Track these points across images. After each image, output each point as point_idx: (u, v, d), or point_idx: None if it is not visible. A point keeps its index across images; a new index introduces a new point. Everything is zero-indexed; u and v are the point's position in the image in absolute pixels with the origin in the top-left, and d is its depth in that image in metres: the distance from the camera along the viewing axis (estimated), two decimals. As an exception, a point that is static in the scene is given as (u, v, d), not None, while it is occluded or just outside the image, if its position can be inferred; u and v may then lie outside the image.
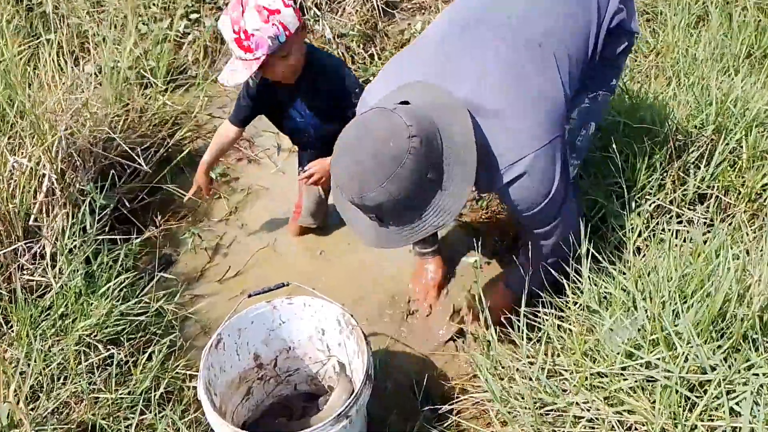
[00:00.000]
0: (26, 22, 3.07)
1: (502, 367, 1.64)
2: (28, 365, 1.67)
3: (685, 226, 1.85)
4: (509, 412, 1.51)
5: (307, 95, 2.01)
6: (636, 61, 2.74)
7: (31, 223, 1.99)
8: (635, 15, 1.73)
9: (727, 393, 1.22)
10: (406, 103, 1.38)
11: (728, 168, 2.03)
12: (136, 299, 1.93)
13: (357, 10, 3.15)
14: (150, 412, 1.67)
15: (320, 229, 2.37)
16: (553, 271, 1.68)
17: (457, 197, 1.37)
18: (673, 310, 1.40)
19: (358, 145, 1.33)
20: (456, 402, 1.76)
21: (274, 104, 2.06)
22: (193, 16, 3.17)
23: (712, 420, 1.23)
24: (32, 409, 1.59)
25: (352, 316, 1.65)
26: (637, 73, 2.58)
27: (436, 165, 1.34)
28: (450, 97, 1.42)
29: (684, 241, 1.70)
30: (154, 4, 3.11)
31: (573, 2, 1.59)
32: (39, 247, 1.95)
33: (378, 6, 3.18)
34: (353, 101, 1.98)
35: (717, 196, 1.96)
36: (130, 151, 2.28)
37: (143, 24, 3.02)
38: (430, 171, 1.33)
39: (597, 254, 1.76)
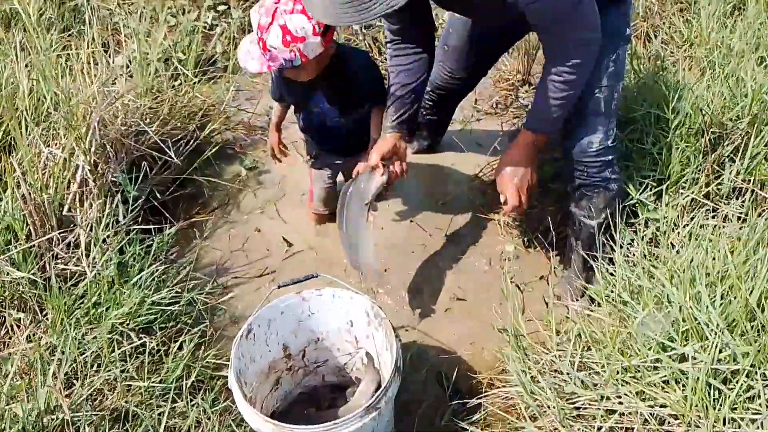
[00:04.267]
0: (58, 15, 3.11)
1: (531, 361, 1.63)
2: (63, 353, 1.70)
3: (719, 221, 1.82)
4: (539, 406, 1.50)
5: (328, 85, 1.98)
6: (669, 51, 2.69)
7: (65, 213, 2.02)
8: None
9: (764, 385, 1.20)
10: None
11: (764, 161, 1.98)
12: (168, 289, 1.96)
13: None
14: (181, 401, 1.69)
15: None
16: (567, 93, 1.69)
17: None
18: (707, 306, 1.37)
19: None
20: (484, 396, 1.76)
21: (296, 93, 2.04)
22: (221, 8, 3.20)
23: (748, 411, 1.21)
24: (67, 396, 1.62)
25: (380, 308, 1.65)
26: (670, 64, 2.53)
27: None
28: None
29: (720, 236, 1.67)
30: (182, -4, 3.13)
31: None
32: (73, 237, 1.99)
33: (405, -3, 3.16)
34: (375, 97, 2.02)
35: (753, 190, 1.92)
36: (161, 143, 2.31)
37: (171, 16, 3.05)
38: None
39: (628, 247, 1.75)
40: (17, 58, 2.36)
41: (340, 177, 2.31)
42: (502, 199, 1.88)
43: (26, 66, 2.36)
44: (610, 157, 1.82)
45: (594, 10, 1.60)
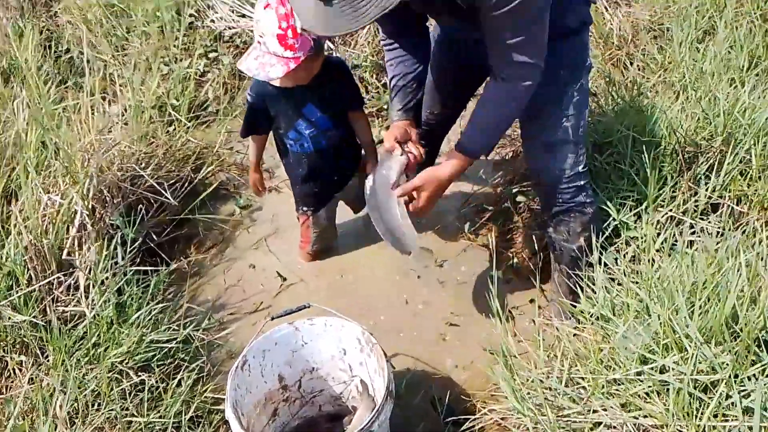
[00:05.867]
0: (54, 68, 3.24)
1: (522, 379, 1.67)
2: (64, 393, 1.74)
3: (698, 236, 1.88)
4: (531, 422, 1.54)
5: (319, 91, 2.01)
6: (645, 77, 2.79)
7: (64, 257, 2.09)
8: None
9: (740, 393, 1.24)
10: None
11: (739, 177, 2.05)
12: (165, 327, 2.01)
13: (369, 42, 3.25)
14: (181, 434, 1.73)
15: (338, 251, 2.43)
16: (502, 119, 1.75)
17: None
18: (686, 316, 1.42)
19: None
20: (478, 417, 1.79)
21: (288, 112, 2.06)
22: (212, 55, 3.31)
23: (727, 420, 1.25)
24: (69, 435, 1.66)
25: (371, 334, 1.70)
26: (646, 89, 2.63)
27: None
28: None
29: (697, 249, 1.73)
30: (174, 46, 3.25)
31: None
32: (73, 280, 2.04)
33: (389, 37, 3.28)
34: (356, 101, 2.11)
35: (729, 206, 1.98)
36: (157, 186, 2.38)
37: (164, 65, 3.16)
38: None
39: (611, 266, 1.80)
40: (17, 110, 2.45)
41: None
42: (414, 202, 1.89)
43: (26, 118, 2.45)
44: (582, 182, 1.88)
45: (544, 39, 1.63)
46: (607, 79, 2.69)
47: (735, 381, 1.27)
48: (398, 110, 2.01)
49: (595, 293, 1.69)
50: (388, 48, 2.01)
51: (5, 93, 2.87)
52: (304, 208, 2.28)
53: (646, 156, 2.08)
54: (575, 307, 1.90)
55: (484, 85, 1.96)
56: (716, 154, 2.11)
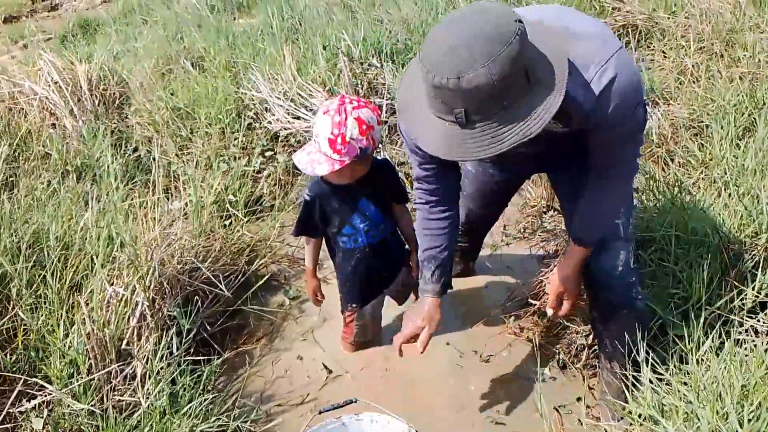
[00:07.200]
0: (123, 166, 3.49)
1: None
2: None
3: (747, 335, 1.85)
4: None
5: (369, 188, 2.14)
6: (686, 173, 2.83)
7: (123, 346, 2.19)
8: None
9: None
10: None
11: (786, 274, 2.04)
12: (215, 418, 2.06)
13: (415, 140, 3.41)
14: None
15: (383, 342, 2.47)
16: (611, 205, 1.81)
17: (548, 105, 1.33)
18: (735, 421, 1.40)
19: (461, 20, 1.29)
20: None
21: (343, 207, 2.17)
22: (268, 153, 3.53)
23: None
24: None
25: (417, 431, 1.71)
26: (686, 185, 2.66)
27: (532, 63, 1.33)
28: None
29: (746, 349, 1.71)
30: (234, 145, 3.49)
31: None
32: (130, 369, 2.13)
33: (434, 135, 3.44)
34: (400, 194, 2.22)
35: (778, 304, 1.96)
36: (213, 278, 2.51)
37: (224, 163, 3.38)
38: (528, 65, 1.31)
39: (658, 365, 1.79)
40: (90, 207, 2.65)
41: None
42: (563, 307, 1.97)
43: (95, 213, 2.65)
44: (634, 279, 1.90)
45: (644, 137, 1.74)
46: (648, 176, 2.74)
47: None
48: (435, 282, 2.00)
49: (643, 393, 1.67)
50: (426, 216, 2.00)
51: (78, 189, 3.11)
52: (353, 305, 2.35)
53: (690, 254, 2.10)
54: (623, 408, 1.88)
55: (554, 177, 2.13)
56: (761, 251, 2.11)
